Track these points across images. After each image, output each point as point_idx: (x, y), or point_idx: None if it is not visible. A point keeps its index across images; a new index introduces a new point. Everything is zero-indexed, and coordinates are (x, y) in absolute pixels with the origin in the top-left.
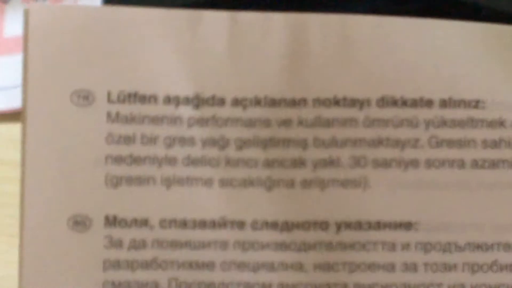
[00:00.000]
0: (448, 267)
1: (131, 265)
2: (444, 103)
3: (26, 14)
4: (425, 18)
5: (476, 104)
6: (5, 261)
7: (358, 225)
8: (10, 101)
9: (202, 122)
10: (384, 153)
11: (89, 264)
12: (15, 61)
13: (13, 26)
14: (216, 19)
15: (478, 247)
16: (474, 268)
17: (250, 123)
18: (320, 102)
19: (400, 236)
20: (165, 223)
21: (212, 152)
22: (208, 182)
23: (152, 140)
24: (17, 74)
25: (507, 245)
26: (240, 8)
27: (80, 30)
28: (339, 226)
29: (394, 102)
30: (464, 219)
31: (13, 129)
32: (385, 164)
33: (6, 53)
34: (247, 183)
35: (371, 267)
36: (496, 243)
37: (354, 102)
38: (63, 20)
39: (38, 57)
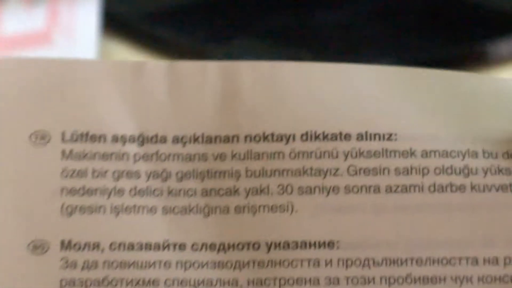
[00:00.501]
0: (367, 281)
1: (84, 284)
2: (361, 136)
3: None
4: (343, 63)
5: (389, 136)
6: None
7: (286, 245)
8: None
9: (146, 157)
10: (308, 181)
11: (47, 284)
12: None
13: (11, 24)
14: (156, 68)
15: (393, 262)
16: (390, 281)
17: (189, 158)
18: (251, 138)
19: (324, 254)
20: (114, 246)
21: (156, 184)
22: (152, 210)
23: (102, 174)
24: None
25: (419, 260)
26: (242, 8)
27: (36, 79)
28: (269, 246)
29: (316, 137)
30: (380, 238)
31: None
32: (309, 191)
33: (4, 51)
34: (187, 210)
35: (298, 281)
36: (409, 259)
37: (281, 137)
38: (21, 71)
39: (2, 104)
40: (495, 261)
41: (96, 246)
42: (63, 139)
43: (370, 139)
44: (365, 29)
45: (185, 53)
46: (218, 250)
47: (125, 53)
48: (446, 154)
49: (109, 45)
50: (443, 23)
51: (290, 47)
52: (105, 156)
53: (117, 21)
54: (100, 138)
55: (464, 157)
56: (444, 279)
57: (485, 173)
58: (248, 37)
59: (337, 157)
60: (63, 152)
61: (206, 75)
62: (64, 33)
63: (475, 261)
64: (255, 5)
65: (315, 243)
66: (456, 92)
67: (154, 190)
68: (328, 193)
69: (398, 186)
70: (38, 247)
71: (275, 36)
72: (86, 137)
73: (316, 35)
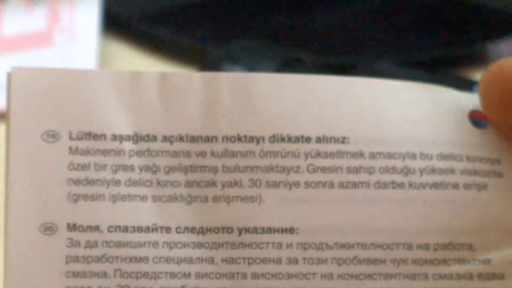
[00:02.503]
0: (321, 261)
1: (86, 259)
2: (319, 139)
3: (9, 75)
4: (306, 75)
5: (343, 140)
6: None
7: (255, 230)
8: None
9: (139, 153)
10: (274, 176)
11: (55, 259)
12: (14, 59)
13: (12, 24)
14: (150, 77)
15: (343, 246)
16: (340, 262)
17: (175, 154)
18: (227, 139)
19: (285, 238)
20: (111, 229)
21: (147, 176)
22: (143, 198)
23: (102, 167)
24: None
25: (364, 245)
26: (242, 8)
27: (48, 87)
28: (240, 231)
29: (282, 139)
30: (333, 225)
31: None
32: (275, 185)
33: (5, 51)
34: (173, 198)
35: (264, 261)
36: (356, 243)
37: (252, 139)
38: (35, 80)
39: (18, 108)
40: (427, 247)
41: (97, 228)
42: (70, 138)
43: (327, 142)
44: (365, 29)
45: (185, 53)
46: (198, 233)
47: (125, 53)
48: (389, 156)
49: (109, 45)
50: (443, 23)
51: (290, 47)
52: (105, 152)
53: (117, 21)
54: (101, 136)
55: (404, 158)
56: (384, 261)
57: (421, 172)
58: (248, 37)
59: (299, 157)
60: (70, 149)
61: (191, 84)
62: (65, 33)
63: (410, 247)
64: (255, 5)
65: (278, 229)
66: (398, 100)
67: (145, 181)
68: (291, 187)
69: (348, 183)
70: (49, 229)
71: (275, 36)
72: (89, 136)
73: (316, 35)
